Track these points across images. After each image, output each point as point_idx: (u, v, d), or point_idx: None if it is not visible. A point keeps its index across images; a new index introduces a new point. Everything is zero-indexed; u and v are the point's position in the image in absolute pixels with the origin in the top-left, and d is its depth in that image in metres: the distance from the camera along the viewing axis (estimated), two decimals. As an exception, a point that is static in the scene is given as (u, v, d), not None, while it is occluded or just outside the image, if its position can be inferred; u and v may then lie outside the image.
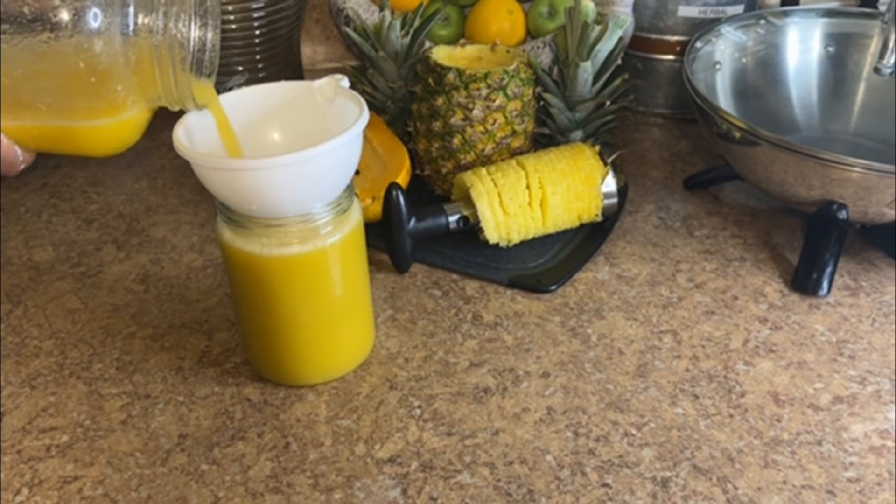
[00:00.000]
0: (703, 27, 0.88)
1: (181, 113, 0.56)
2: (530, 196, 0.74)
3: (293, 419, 0.61)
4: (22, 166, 0.52)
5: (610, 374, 0.65)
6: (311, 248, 0.57)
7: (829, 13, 0.90)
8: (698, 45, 0.85)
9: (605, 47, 0.77)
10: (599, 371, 0.65)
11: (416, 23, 0.83)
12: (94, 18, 0.46)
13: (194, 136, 0.56)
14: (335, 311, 0.62)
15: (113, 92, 0.48)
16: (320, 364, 0.63)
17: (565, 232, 0.78)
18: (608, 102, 0.79)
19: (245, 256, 0.57)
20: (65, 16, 0.46)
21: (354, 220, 0.59)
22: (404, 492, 0.56)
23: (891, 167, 0.65)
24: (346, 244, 0.59)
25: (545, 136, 0.83)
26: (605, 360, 0.66)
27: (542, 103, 0.80)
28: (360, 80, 0.87)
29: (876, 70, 0.81)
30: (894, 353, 0.67)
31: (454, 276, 0.75)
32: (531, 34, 0.94)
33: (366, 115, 0.55)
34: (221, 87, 0.78)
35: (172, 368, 0.66)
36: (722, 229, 0.81)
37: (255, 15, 0.87)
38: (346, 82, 0.59)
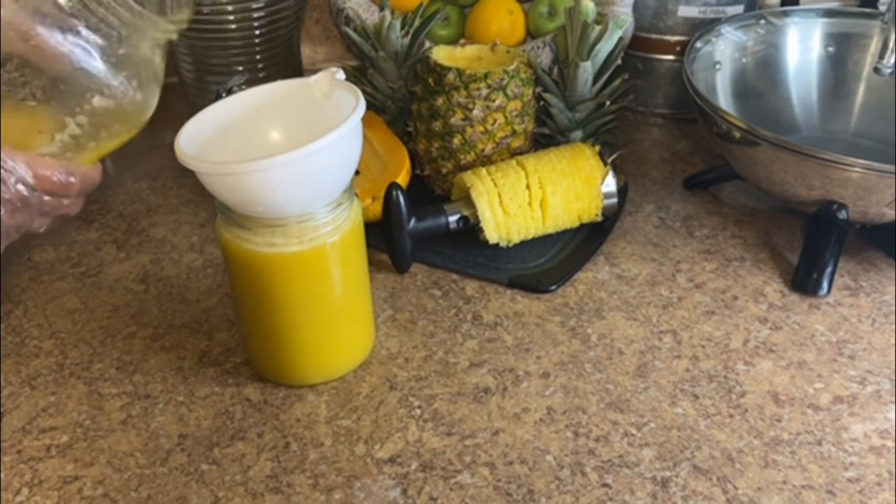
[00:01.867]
0: (703, 27, 0.88)
1: (181, 118, 0.56)
2: (530, 196, 0.74)
3: (293, 419, 0.61)
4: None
5: (610, 374, 0.65)
6: (310, 247, 0.57)
7: (829, 13, 0.90)
8: (698, 45, 0.85)
9: (605, 47, 0.77)
10: (599, 371, 0.65)
11: (416, 23, 0.83)
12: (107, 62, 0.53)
13: (196, 142, 0.56)
14: (335, 310, 0.62)
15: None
16: (320, 364, 0.63)
17: (565, 232, 0.78)
18: (608, 102, 0.79)
19: (245, 255, 0.57)
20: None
21: (354, 219, 0.59)
22: (404, 492, 0.56)
23: (891, 167, 0.65)
24: (345, 243, 0.59)
25: (545, 136, 0.83)
26: (605, 360, 0.66)
27: (542, 103, 0.80)
28: (360, 80, 0.87)
29: (876, 70, 0.81)
30: (894, 353, 0.67)
31: (454, 276, 0.75)
32: (531, 34, 0.94)
33: (362, 104, 0.55)
34: (221, 88, 0.78)
35: (172, 368, 0.66)
36: (722, 229, 0.81)
37: (255, 15, 0.87)
38: (341, 74, 0.59)
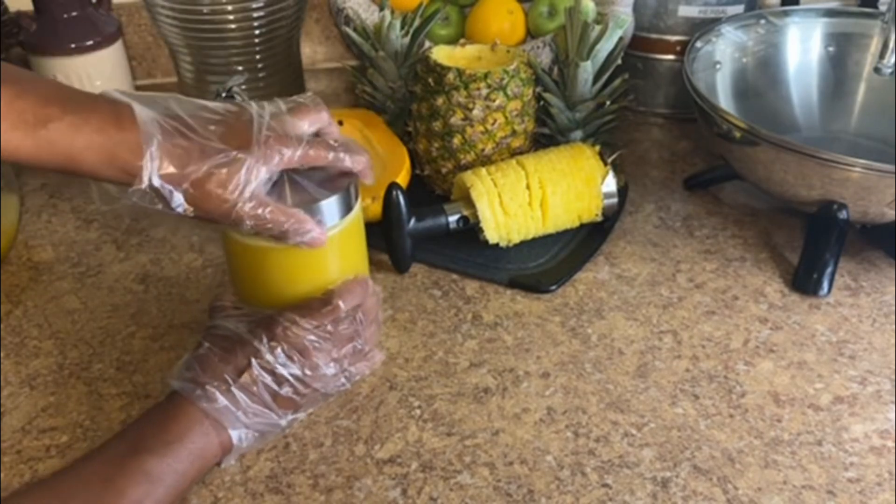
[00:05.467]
0: (703, 27, 0.88)
1: None
2: (530, 196, 0.74)
3: (293, 419, 0.61)
4: None
5: (610, 374, 0.65)
6: None
7: (829, 13, 0.90)
8: (698, 44, 0.85)
9: (605, 47, 0.77)
10: (599, 371, 0.65)
11: (416, 23, 0.83)
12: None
13: None
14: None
15: None
16: (320, 364, 0.63)
17: (565, 232, 0.78)
18: (608, 102, 0.79)
19: (246, 250, 0.57)
20: None
21: (354, 214, 0.59)
22: (404, 492, 0.56)
23: (891, 167, 0.65)
24: (345, 238, 0.59)
25: (545, 136, 0.83)
26: (605, 360, 0.66)
27: (542, 103, 0.80)
28: (360, 80, 0.87)
29: (876, 70, 0.81)
30: (894, 353, 0.67)
31: (454, 276, 0.75)
32: (531, 34, 0.94)
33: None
34: (221, 87, 0.78)
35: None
36: (722, 229, 0.81)
37: (255, 15, 0.87)
38: None
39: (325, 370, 0.55)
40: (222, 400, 0.52)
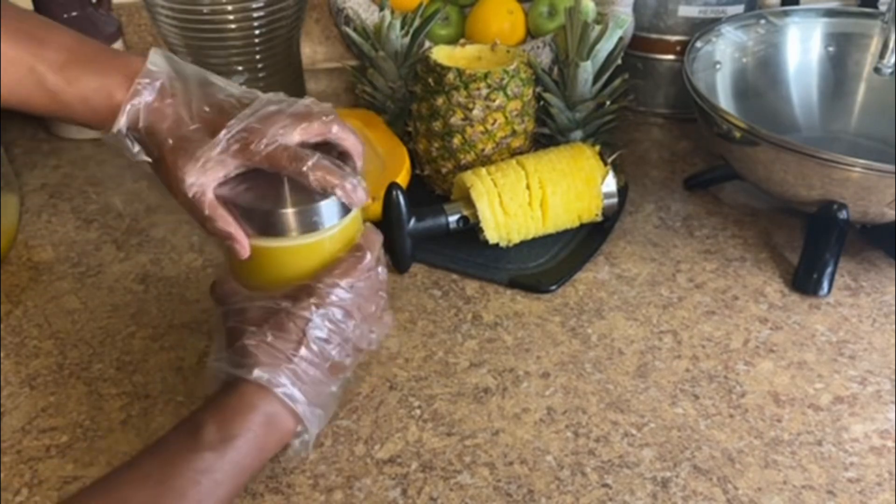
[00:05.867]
0: (703, 27, 0.88)
1: None
2: (530, 196, 0.74)
3: (293, 419, 0.61)
4: None
5: (610, 374, 0.65)
6: (311, 240, 0.56)
7: (829, 13, 0.90)
8: (698, 45, 0.85)
9: (605, 47, 0.77)
10: (599, 371, 0.65)
11: (416, 23, 0.83)
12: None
13: None
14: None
15: None
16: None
17: (565, 232, 0.78)
18: (608, 102, 0.79)
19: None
20: None
21: (353, 211, 0.59)
22: (404, 492, 0.56)
23: (891, 167, 0.65)
24: (345, 234, 0.58)
25: (545, 136, 0.83)
26: (605, 360, 0.66)
27: (542, 103, 0.80)
28: (360, 80, 0.87)
29: (876, 70, 0.81)
30: (894, 353, 0.67)
31: (454, 276, 0.75)
32: (531, 34, 0.94)
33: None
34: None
35: (172, 368, 0.66)
36: (722, 229, 0.81)
37: (255, 15, 0.87)
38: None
39: (363, 327, 0.55)
40: (289, 378, 0.51)
